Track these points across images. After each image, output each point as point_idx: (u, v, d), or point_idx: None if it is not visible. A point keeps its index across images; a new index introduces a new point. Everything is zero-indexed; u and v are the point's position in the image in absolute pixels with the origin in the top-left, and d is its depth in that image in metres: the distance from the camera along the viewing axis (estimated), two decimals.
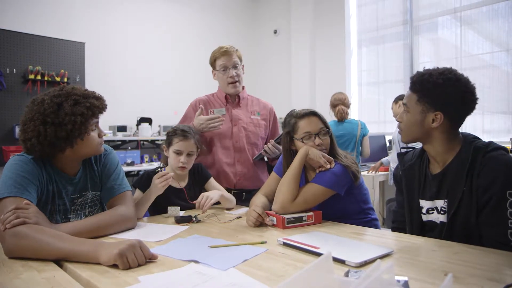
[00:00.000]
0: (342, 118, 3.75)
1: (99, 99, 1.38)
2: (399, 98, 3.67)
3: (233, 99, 2.16)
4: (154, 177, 1.63)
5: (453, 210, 1.22)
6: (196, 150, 1.80)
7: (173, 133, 1.78)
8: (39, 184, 1.27)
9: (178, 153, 1.75)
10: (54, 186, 1.33)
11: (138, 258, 1.01)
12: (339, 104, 3.75)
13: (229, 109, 2.12)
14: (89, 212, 1.44)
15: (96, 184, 1.47)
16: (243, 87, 2.19)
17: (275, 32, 5.81)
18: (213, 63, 2.11)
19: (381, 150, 4.39)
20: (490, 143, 1.23)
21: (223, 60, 2.06)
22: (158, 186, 1.60)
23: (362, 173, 3.82)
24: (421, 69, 1.33)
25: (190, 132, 1.78)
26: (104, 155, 1.50)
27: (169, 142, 1.78)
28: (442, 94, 1.24)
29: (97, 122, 1.40)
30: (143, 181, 1.76)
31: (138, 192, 1.74)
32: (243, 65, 2.14)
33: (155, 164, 3.91)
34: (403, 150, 1.52)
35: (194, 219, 1.56)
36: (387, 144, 4.50)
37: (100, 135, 1.41)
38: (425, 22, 4.48)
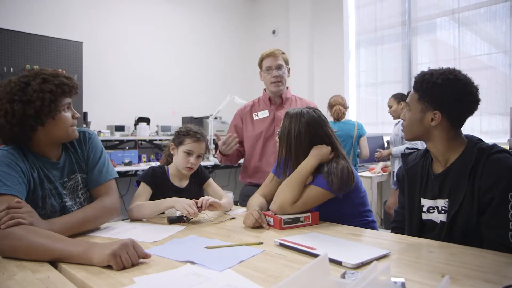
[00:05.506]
0: (338, 118, 3.75)
1: (69, 78, 1.36)
2: (398, 96, 3.67)
3: (276, 100, 2.25)
4: (187, 202, 1.55)
5: (454, 210, 1.23)
6: (205, 153, 1.81)
7: (185, 133, 1.77)
8: (23, 174, 1.25)
9: (189, 153, 1.74)
10: (40, 172, 1.31)
11: (131, 258, 1.00)
12: (337, 104, 3.76)
13: (272, 111, 2.23)
14: (82, 194, 1.43)
15: (82, 168, 1.45)
16: (287, 88, 2.29)
17: (274, 32, 5.81)
18: (260, 64, 2.24)
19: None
20: (494, 145, 1.24)
21: (268, 62, 2.18)
22: (182, 208, 1.53)
23: (360, 174, 3.84)
24: (419, 70, 1.35)
25: (202, 134, 1.80)
26: (89, 139, 1.48)
27: (180, 141, 1.77)
28: (440, 93, 1.26)
29: (70, 104, 1.37)
30: (148, 176, 1.76)
31: (143, 186, 1.73)
32: (289, 68, 2.26)
33: (153, 164, 3.90)
34: (407, 151, 1.53)
35: (185, 218, 1.55)
36: (385, 145, 4.50)
37: (73, 116, 1.38)
38: (423, 23, 4.48)
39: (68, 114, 1.35)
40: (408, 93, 3.50)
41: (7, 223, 1.07)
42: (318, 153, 1.55)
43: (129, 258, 1.00)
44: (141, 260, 1.04)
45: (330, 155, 1.56)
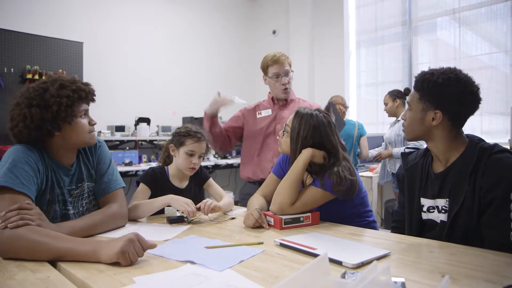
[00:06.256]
0: None
1: (87, 84, 1.38)
2: (394, 94, 3.63)
3: (279, 101, 2.28)
4: (185, 200, 1.56)
5: (455, 210, 1.22)
6: (206, 152, 1.82)
7: (186, 134, 1.76)
8: (39, 175, 1.26)
9: (191, 154, 1.74)
10: (53, 175, 1.32)
11: (137, 252, 1.03)
12: (337, 104, 3.75)
13: (275, 110, 2.26)
14: (86, 203, 1.43)
15: (92, 176, 1.46)
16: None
17: (274, 32, 5.81)
18: (265, 69, 2.24)
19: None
20: (496, 145, 1.24)
21: (276, 68, 2.19)
22: (179, 206, 1.53)
23: (360, 174, 3.83)
24: (419, 70, 1.35)
25: (202, 134, 1.79)
26: (99, 147, 1.50)
27: (180, 143, 1.76)
28: (441, 93, 1.25)
29: (87, 110, 1.39)
30: (148, 176, 1.76)
31: (142, 186, 1.73)
32: (292, 71, 2.26)
33: (153, 165, 3.90)
34: (407, 150, 1.52)
35: (186, 219, 1.55)
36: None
37: (90, 123, 1.39)
38: (423, 23, 4.48)
39: (84, 121, 1.37)
40: (406, 89, 3.47)
41: (16, 223, 1.07)
42: (308, 152, 1.54)
43: (135, 252, 1.02)
44: (142, 258, 1.05)
45: (322, 157, 1.55)
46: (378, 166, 4.04)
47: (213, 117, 2.16)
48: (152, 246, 1.08)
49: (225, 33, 5.76)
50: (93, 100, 1.41)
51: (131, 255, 1.01)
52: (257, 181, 2.14)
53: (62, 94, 1.28)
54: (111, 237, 1.30)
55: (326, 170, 1.51)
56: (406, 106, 1.41)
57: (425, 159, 1.41)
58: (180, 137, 1.77)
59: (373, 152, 3.82)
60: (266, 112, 2.26)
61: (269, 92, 2.33)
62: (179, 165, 1.78)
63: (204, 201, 1.61)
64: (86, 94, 1.35)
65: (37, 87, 1.29)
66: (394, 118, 3.64)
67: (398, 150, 3.42)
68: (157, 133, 4.56)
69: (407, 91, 3.51)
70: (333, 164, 1.52)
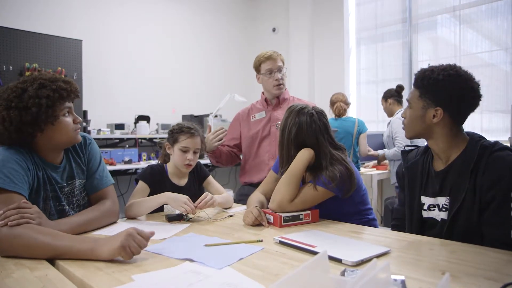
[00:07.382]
0: (339, 114, 3.74)
1: (68, 82, 1.33)
2: (385, 94, 3.63)
3: (272, 101, 2.26)
4: (183, 196, 1.54)
5: (456, 208, 1.22)
6: (201, 148, 1.80)
7: (178, 131, 1.76)
8: (29, 173, 1.24)
9: (185, 150, 1.74)
10: (43, 172, 1.31)
11: (139, 244, 1.03)
12: (338, 101, 3.75)
13: (269, 112, 2.24)
14: (76, 200, 1.42)
15: (83, 172, 1.46)
16: (285, 89, 2.29)
17: (274, 30, 5.79)
18: (258, 67, 2.22)
19: (379, 148, 4.37)
20: (497, 142, 1.23)
21: (269, 64, 2.17)
22: (178, 207, 1.52)
23: (361, 171, 3.82)
24: (419, 68, 1.34)
25: (196, 129, 1.78)
26: (89, 144, 1.49)
27: (174, 140, 1.76)
28: (442, 90, 1.25)
29: (71, 108, 1.34)
30: (147, 174, 1.76)
31: (141, 184, 1.73)
32: (285, 68, 2.25)
33: (153, 163, 3.90)
34: (408, 148, 1.52)
35: (184, 217, 1.54)
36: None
37: (75, 121, 1.35)
38: (424, 20, 4.47)
39: (68, 119, 1.33)
40: (398, 86, 3.46)
41: (17, 221, 1.07)
42: (308, 152, 1.54)
43: (136, 245, 1.02)
44: (141, 256, 1.05)
45: (312, 159, 1.55)
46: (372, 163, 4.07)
47: (214, 152, 2.17)
48: (151, 233, 1.09)
49: (225, 31, 5.74)
50: (77, 97, 1.37)
51: (132, 249, 1.01)
52: (254, 183, 2.12)
53: (41, 94, 1.24)
54: (108, 235, 1.30)
55: (316, 170, 1.52)
56: (406, 103, 1.41)
57: (425, 157, 1.40)
58: (174, 134, 1.77)
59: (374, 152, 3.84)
60: (260, 115, 2.25)
61: (262, 93, 2.31)
62: (176, 163, 1.77)
63: (202, 196, 1.60)
64: (67, 93, 1.31)
65: (15, 88, 1.25)
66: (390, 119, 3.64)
67: (388, 152, 3.45)
68: (157, 131, 4.55)
69: (399, 88, 3.53)
70: (320, 164, 1.52)
